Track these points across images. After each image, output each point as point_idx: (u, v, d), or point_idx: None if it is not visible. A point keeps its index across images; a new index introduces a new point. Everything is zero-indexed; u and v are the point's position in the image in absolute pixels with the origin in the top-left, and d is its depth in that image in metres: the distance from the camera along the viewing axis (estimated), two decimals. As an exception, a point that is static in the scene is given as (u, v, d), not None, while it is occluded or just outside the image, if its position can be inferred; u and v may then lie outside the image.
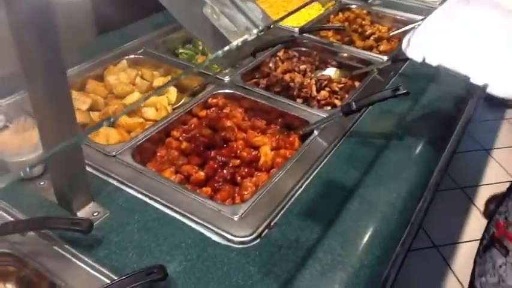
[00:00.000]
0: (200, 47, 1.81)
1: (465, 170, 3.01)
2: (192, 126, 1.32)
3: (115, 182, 1.10)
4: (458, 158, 2.99)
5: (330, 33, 1.97)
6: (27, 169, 0.66)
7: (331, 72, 1.73)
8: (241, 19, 1.01)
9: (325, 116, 1.36)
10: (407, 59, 1.66)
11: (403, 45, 1.19)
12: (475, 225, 2.60)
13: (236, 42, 0.95)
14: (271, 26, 1.09)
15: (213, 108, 1.42)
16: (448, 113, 1.54)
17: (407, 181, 1.20)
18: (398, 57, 1.65)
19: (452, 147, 2.44)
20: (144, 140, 1.24)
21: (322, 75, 1.67)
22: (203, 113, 1.41)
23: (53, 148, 0.85)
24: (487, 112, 3.54)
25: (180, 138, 1.28)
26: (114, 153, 1.17)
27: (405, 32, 1.98)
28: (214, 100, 1.44)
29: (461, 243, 2.55)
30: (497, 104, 3.62)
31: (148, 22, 1.93)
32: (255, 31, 1.02)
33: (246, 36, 0.99)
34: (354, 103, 1.26)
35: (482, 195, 2.82)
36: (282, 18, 1.15)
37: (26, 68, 0.82)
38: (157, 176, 1.12)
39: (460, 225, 2.67)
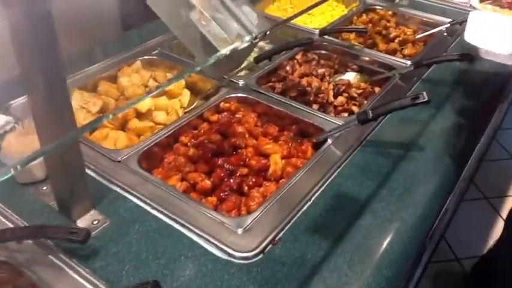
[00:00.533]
0: (217, 48, 1.77)
1: (492, 179, 2.89)
2: (202, 131, 1.29)
3: (118, 189, 1.07)
4: (484, 167, 2.87)
5: (352, 36, 1.90)
6: (18, 167, 0.63)
7: (350, 76, 1.67)
8: (233, 25, 0.95)
9: (340, 123, 1.31)
10: (431, 64, 1.61)
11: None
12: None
13: (225, 50, 0.90)
14: (267, 33, 1.03)
15: (225, 113, 1.38)
16: (474, 121, 1.45)
17: (424, 196, 1.14)
18: (422, 62, 1.57)
19: (479, 155, 2.34)
20: (151, 145, 1.21)
21: (341, 79, 1.61)
22: (214, 117, 1.37)
23: (46, 146, 0.82)
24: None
25: (188, 144, 1.24)
26: (119, 158, 1.14)
27: (432, 35, 1.91)
28: (227, 104, 1.40)
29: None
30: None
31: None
32: (248, 38, 0.96)
33: (236, 44, 0.94)
34: (370, 111, 1.20)
35: (509, 206, 2.70)
36: (287, 21, 1.10)
37: (23, 68, 0.79)
38: (162, 184, 1.09)
39: (484, 238, 2.56)
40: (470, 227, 2.59)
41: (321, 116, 1.36)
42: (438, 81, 1.60)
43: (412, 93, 1.50)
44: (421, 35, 1.92)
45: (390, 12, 2.06)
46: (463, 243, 2.50)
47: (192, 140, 1.25)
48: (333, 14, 2.09)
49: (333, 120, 1.33)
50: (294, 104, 1.40)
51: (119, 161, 1.14)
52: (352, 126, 1.24)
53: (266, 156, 1.21)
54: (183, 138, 1.26)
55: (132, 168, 1.12)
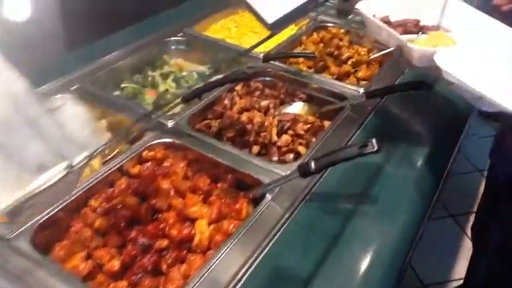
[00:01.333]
0: (150, 78, 1.57)
1: (456, 195, 2.76)
2: (116, 191, 1.08)
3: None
4: (449, 181, 2.75)
5: (301, 59, 1.72)
6: None
7: (298, 107, 1.50)
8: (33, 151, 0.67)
9: (281, 172, 1.13)
10: (385, 94, 1.45)
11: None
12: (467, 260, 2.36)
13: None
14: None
15: (149, 164, 1.18)
16: (435, 157, 1.30)
17: (378, 258, 0.97)
18: (374, 93, 1.41)
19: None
20: (52, 213, 1.00)
21: (286, 113, 1.43)
22: (136, 169, 1.17)
23: None
24: (482, 127, 3.28)
25: (99, 209, 1.04)
26: (7, 236, 0.93)
27: (388, 54, 1.75)
28: (151, 153, 1.20)
29: (452, 281, 2.32)
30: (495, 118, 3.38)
31: (105, 42, 1.70)
32: (61, 167, 0.68)
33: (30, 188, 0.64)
34: (313, 163, 1.02)
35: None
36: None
37: None
38: (59, 269, 0.88)
39: (451, 260, 2.44)
40: (436, 248, 2.46)
41: (258, 163, 1.18)
42: (393, 111, 1.44)
43: (366, 128, 1.35)
44: (376, 54, 1.74)
45: (343, 30, 1.90)
46: (429, 268, 2.36)
47: (104, 204, 1.05)
48: (281, 32, 1.91)
49: (273, 169, 1.16)
50: (229, 150, 1.22)
51: (7, 240, 0.93)
52: (292, 179, 1.06)
53: (192, 220, 1.02)
54: (92, 202, 1.05)
55: (22, 249, 0.91)
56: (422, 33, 1.36)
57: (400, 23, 1.39)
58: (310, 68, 1.71)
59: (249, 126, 1.34)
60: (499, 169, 1.51)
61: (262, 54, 1.64)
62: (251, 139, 1.32)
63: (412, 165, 1.25)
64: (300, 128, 1.35)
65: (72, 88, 1.41)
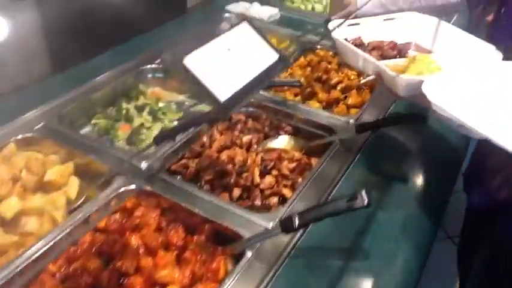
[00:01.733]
0: (124, 111, 1.46)
1: (455, 216, 2.65)
2: (79, 251, 0.97)
3: None
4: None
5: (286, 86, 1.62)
6: None
7: (283, 141, 1.39)
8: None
9: (264, 223, 1.03)
10: (376, 127, 1.35)
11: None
12: None
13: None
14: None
15: (117, 215, 1.07)
16: (431, 203, 1.20)
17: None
18: (366, 126, 1.31)
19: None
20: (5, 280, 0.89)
21: (270, 150, 1.33)
22: (102, 222, 1.06)
23: None
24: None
25: (58, 274, 0.93)
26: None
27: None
28: (119, 203, 1.09)
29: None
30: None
31: (76, 72, 1.59)
32: None
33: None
34: (297, 218, 0.92)
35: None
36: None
37: None
38: None
39: (451, 285, 2.33)
40: (434, 272, 2.35)
41: (239, 213, 1.07)
42: (385, 146, 1.34)
43: (356, 165, 1.25)
44: (367, 79, 1.64)
45: (331, 53, 1.80)
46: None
47: (64, 268, 0.94)
48: (266, 55, 1.81)
49: (254, 220, 1.05)
50: (206, 198, 1.11)
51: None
52: (274, 235, 0.95)
53: (162, 286, 0.92)
54: (50, 266, 0.94)
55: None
56: (400, 56, 1.27)
57: (375, 46, 1.29)
58: (297, 95, 1.61)
59: (229, 167, 1.23)
60: (477, 192, 1.40)
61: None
62: (232, 181, 1.21)
63: (406, 210, 1.15)
64: (285, 167, 1.25)
65: (36, 127, 1.29)
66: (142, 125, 1.41)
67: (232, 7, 2.04)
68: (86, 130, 1.43)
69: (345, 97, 1.61)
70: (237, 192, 1.19)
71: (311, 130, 1.41)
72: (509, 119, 0.94)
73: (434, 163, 1.32)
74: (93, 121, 1.41)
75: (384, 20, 1.35)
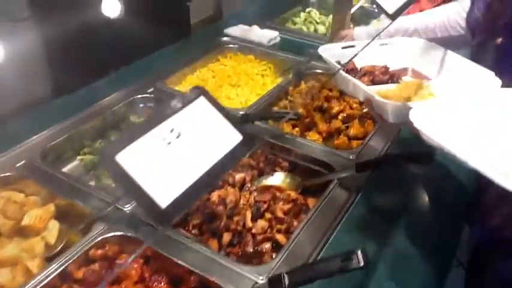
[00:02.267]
0: (113, 144, 1.39)
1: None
2: (50, 310, 0.90)
3: None
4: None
5: (285, 116, 1.54)
6: None
7: (278, 179, 1.31)
8: None
9: (254, 278, 0.95)
10: (377, 166, 1.27)
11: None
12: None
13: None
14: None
15: (96, 265, 1.00)
16: (439, 255, 1.11)
17: None
18: (366, 164, 1.22)
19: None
20: None
21: (264, 189, 1.25)
22: (79, 273, 0.99)
23: None
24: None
25: (26, 338, 0.85)
26: None
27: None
28: (99, 251, 1.02)
29: None
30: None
31: (64, 102, 1.53)
32: None
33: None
34: (286, 277, 0.84)
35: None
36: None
37: None
38: None
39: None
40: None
41: (227, 265, 0.99)
42: (387, 186, 1.26)
43: (356, 207, 1.17)
44: (369, 108, 1.58)
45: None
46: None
47: (33, 330, 0.86)
48: (265, 81, 1.74)
49: (244, 274, 0.97)
50: (194, 247, 1.03)
51: None
52: (263, 295, 0.87)
53: None
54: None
55: None
56: (392, 81, 1.21)
57: (367, 70, 1.24)
58: (295, 126, 1.53)
59: (219, 209, 1.16)
60: (477, 227, 1.31)
61: (241, 112, 1.47)
62: (222, 224, 1.13)
63: (411, 265, 1.06)
64: (280, 209, 1.16)
65: (17, 165, 1.22)
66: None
67: (230, 30, 1.97)
68: (72, 165, 1.36)
69: (347, 127, 1.53)
70: (227, 237, 1.11)
71: (309, 166, 1.33)
72: (503, 150, 0.87)
73: (443, 200, 1.23)
74: (79, 157, 1.34)
75: (380, 44, 1.31)
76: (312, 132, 1.52)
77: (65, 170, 1.33)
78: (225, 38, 1.96)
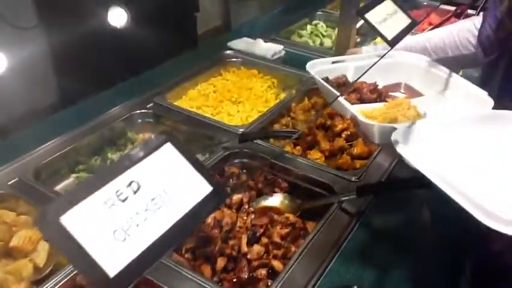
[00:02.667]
0: (109, 161, 1.37)
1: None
2: None
3: None
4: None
5: (286, 133, 1.50)
6: None
7: (277, 200, 1.26)
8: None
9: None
10: (378, 190, 1.22)
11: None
12: None
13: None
14: None
15: (83, 292, 0.96)
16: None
17: None
18: (367, 189, 1.18)
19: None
20: None
21: (262, 209, 1.21)
22: (67, 300, 0.95)
23: None
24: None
25: None
26: None
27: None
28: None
29: None
30: None
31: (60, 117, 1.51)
32: None
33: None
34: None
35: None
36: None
37: None
38: None
39: None
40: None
41: (216, 291, 0.95)
42: (391, 210, 1.21)
43: (356, 234, 1.12)
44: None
45: (337, 95, 1.68)
46: None
47: None
48: (267, 97, 1.70)
49: (235, 303, 0.93)
50: (183, 271, 0.99)
51: None
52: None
53: None
54: None
55: None
56: (380, 100, 1.18)
57: (356, 87, 1.21)
58: (297, 144, 1.49)
59: (214, 232, 1.12)
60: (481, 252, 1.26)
61: (240, 130, 1.43)
62: (216, 249, 1.09)
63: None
64: (277, 234, 1.12)
65: (9, 183, 1.20)
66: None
67: (234, 44, 1.94)
68: (67, 182, 1.33)
69: (350, 145, 1.49)
70: (221, 263, 1.07)
71: (309, 188, 1.28)
72: (485, 185, 0.83)
73: (445, 226, 1.18)
74: (74, 175, 1.31)
75: (376, 56, 1.26)
76: (313, 150, 1.47)
77: (59, 187, 1.31)
78: (228, 52, 1.92)
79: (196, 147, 1.42)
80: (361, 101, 1.16)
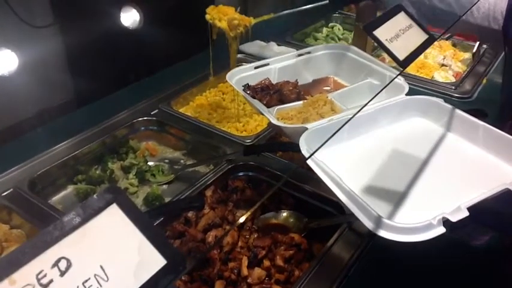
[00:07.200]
0: (108, 171, 1.31)
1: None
2: None
3: None
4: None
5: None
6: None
7: (282, 218, 1.19)
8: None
9: None
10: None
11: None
12: None
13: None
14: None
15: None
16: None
17: None
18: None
19: None
20: None
21: (265, 226, 1.14)
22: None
23: None
24: None
25: None
26: None
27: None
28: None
29: None
30: None
31: (61, 124, 1.46)
32: None
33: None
34: None
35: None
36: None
37: None
38: None
39: None
40: None
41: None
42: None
43: (365, 256, 1.04)
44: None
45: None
46: None
47: None
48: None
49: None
50: (177, 299, 0.93)
51: None
52: None
53: None
54: None
55: None
56: (299, 99, 1.17)
57: (279, 87, 1.20)
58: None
59: (213, 253, 1.05)
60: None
61: (247, 141, 1.36)
62: (215, 271, 1.03)
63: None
64: (280, 256, 1.05)
65: (4, 194, 1.15)
66: (126, 190, 1.25)
67: (246, 47, 1.86)
68: (64, 193, 1.28)
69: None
70: (219, 287, 1.01)
71: (317, 205, 1.21)
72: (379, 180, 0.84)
73: (471, 253, 1.09)
74: (72, 186, 1.25)
75: (298, 55, 1.32)
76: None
77: (55, 198, 1.26)
78: (239, 55, 1.85)
79: (200, 159, 1.35)
80: (282, 101, 1.16)
